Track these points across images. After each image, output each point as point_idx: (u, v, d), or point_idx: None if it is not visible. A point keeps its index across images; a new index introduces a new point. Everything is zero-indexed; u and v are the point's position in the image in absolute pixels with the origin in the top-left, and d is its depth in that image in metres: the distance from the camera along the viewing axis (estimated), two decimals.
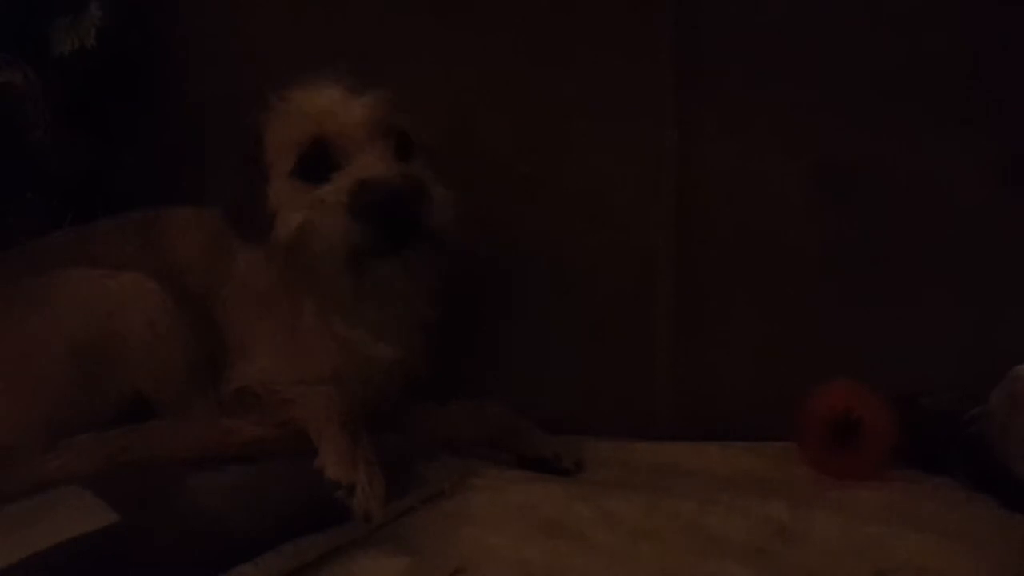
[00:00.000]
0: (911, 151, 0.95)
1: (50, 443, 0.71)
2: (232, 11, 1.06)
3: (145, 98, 1.07)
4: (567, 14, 1.00)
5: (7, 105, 1.02)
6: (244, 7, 1.06)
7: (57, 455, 0.69)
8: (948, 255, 0.93)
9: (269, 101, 0.81)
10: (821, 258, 0.96)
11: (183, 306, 0.80)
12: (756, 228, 0.98)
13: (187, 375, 0.78)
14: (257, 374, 0.80)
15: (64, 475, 0.67)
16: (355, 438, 0.73)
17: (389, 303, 0.81)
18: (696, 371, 0.97)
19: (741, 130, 0.98)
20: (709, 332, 0.97)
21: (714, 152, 0.98)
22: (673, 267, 0.98)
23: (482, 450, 0.87)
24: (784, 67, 0.98)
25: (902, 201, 0.95)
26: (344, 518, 0.68)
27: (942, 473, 0.83)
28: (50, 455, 0.70)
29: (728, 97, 0.99)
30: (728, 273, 0.98)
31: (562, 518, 0.74)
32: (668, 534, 0.72)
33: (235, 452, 0.72)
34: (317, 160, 0.76)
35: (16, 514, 0.64)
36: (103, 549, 0.59)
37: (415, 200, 0.74)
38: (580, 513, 0.75)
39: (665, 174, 0.99)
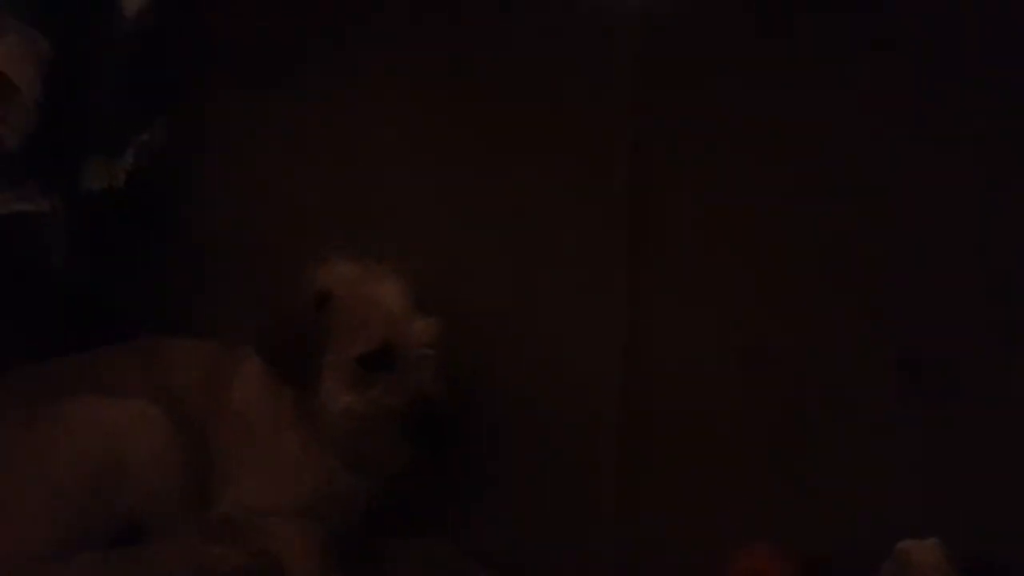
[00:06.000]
0: (822, 339, 1.08)
1: (55, 558, 0.79)
2: (234, 163, 1.20)
3: (155, 232, 1.19)
4: (538, 200, 1.15)
5: (30, 232, 1.13)
6: (243, 160, 1.19)
7: (63, 571, 0.77)
8: (851, 438, 1.05)
9: (336, 271, 0.93)
10: (746, 429, 1.08)
11: (181, 432, 0.89)
12: (693, 400, 1.10)
13: (181, 500, 0.87)
14: (241, 499, 0.89)
15: None
16: (326, 573, 0.82)
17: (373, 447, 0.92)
18: (637, 527, 1.07)
19: (685, 310, 1.12)
20: (649, 493, 1.08)
21: (660, 328, 1.11)
22: (616, 428, 1.09)
23: None
24: (722, 259, 1.12)
25: (813, 385, 1.07)
26: None
27: None
28: (56, 571, 0.77)
29: (674, 278, 1.12)
30: (667, 439, 1.09)
31: None
32: None
33: None
34: (380, 357, 0.89)
35: None
36: None
37: (452, 417, 0.89)
38: None
39: (615, 344, 1.11)
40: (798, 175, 1.12)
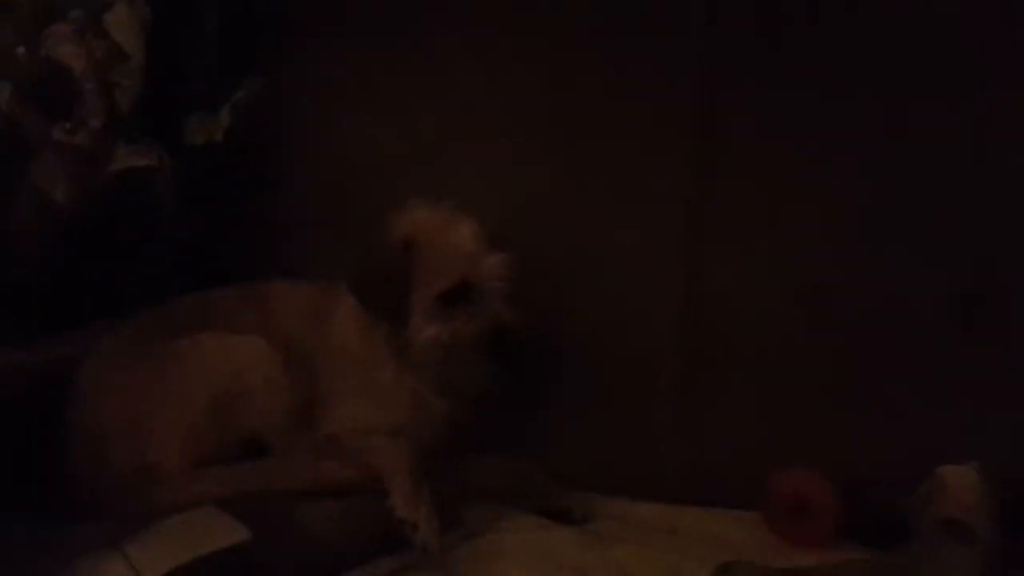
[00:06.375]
0: (880, 281, 1.15)
1: (190, 469, 0.94)
2: (322, 116, 1.30)
3: (253, 183, 1.31)
4: (605, 149, 1.23)
5: (144, 184, 1.26)
6: (331, 114, 1.29)
7: (198, 481, 0.92)
8: (903, 371, 1.13)
9: (417, 216, 1.04)
10: (800, 360, 1.16)
11: (289, 363, 1.02)
12: (749, 332, 1.18)
13: (293, 421, 1.00)
14: (344, 421, 1.02)
15: (203, 497, 0.90)
16: (419, 484, 0.95)
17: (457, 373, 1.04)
18: (692, 444, 1.17)
19: (740, 251, 1.20)
20: (705, 414, 1.18)
21: (717, 267, 1.19)
22: (677, 356, 1.19)
23: (510, 498, 1.08)
24: (779, 203, 1.19)
25: (868, 321, 1.15)
26: (408, 546, 0.90)
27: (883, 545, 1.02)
28: (192, 480, 0.92)
29: (730, 223, 1.20)
30: (723, 367, 1.18)
31: (572, 562, 0.96)
32: None
33: (327, 488, 0.94)
34: (459, 292, 1.00)
35: (170, 526, 0.86)
36: (235, 561, 0.81)
37: (526, 341, 1.00)
38: (586, 558, 0.97)
39: (674, 278, 1.20)
40: (857, 116, 1.17)
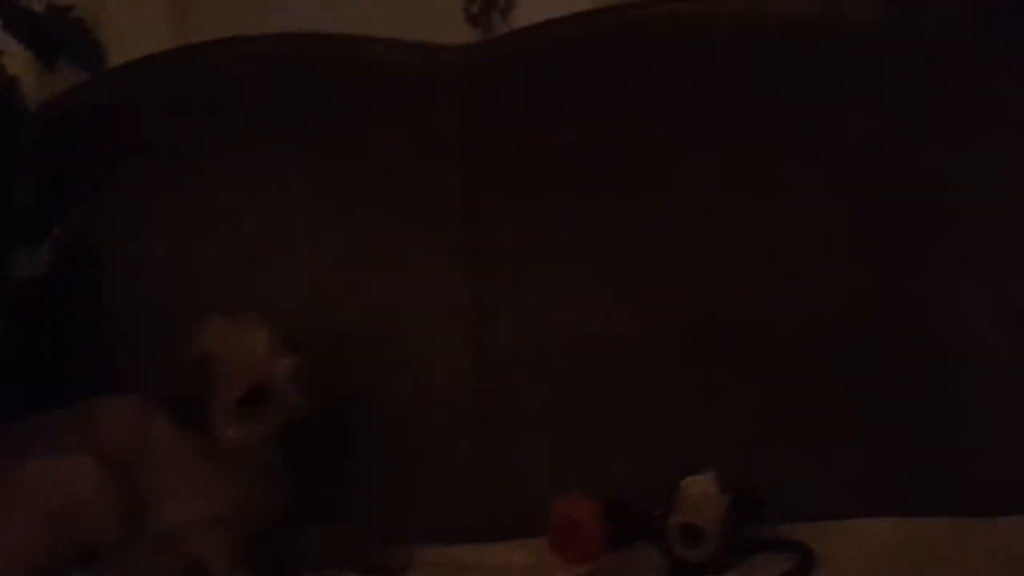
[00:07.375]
0: (627, 324, 1.36)
1: None
2: (139, 238, 1.45)
3: (81, 307, 1.44)
4: (391, 234, 1.43)
5: None
6: (145, 236, 1.45)
7: None
8: (652, 403, 1.34)
9: (214, 330, 1.18)
10: (573, 401, 1.35)
11: (116, 475, 1.16)
12: (532, 380, 1.37)
13: (122, 529, 1.14)
14: (171, 519, 1.16)
15: None
16: (238, 566, 1.10)
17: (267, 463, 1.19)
18: (491, 486, 1.34)
19: (521, 313, 1.39)
20: (500, 457, 1.35)
21: (499, 326, 1.39)
22: (470, 409, 1.36)
23: (337, 561, 1.23)
24: (546, 261, 1.39)
25: (623, 362, 1.36)
26: None
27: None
28: None
29: (511, 289, 1.40)
30: (511, 414, 1.36)
31: None
32: None
33: None
34: (255, 395, 1.15)
35: None
36: None
37: (320, 429, 1.16)
38: None
39: (462, 337, 1.38)
40: (600, 169, 1.38)
